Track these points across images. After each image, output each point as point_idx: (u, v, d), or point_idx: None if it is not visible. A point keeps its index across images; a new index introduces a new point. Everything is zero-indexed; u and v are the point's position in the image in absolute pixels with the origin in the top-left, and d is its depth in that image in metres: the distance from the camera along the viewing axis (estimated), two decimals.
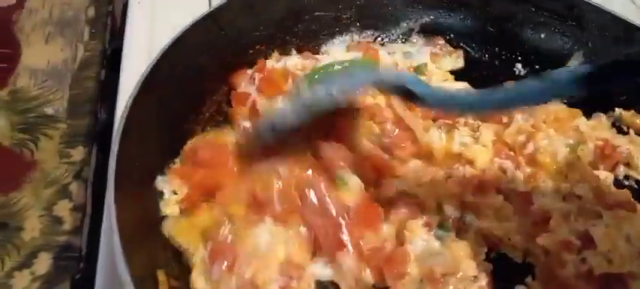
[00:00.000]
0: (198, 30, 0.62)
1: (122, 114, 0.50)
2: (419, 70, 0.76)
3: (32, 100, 1.01)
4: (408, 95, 0.56)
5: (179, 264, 0.53)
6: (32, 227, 0.82)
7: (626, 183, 0.73)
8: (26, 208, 0.85)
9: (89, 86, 1.05)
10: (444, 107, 0.59)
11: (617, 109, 0.79)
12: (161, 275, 0.49)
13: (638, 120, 0.78)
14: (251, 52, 0.72)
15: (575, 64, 0.83)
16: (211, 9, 0.65)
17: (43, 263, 0.79)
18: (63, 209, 0.86)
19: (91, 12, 1.22)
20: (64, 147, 0.94)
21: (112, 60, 1.03)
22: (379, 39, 0.84)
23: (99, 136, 0.92)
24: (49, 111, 1.00)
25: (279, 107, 0.61)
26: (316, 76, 0.68)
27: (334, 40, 0.81)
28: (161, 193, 0.56)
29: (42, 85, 1.04)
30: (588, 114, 0.80)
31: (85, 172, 0.91)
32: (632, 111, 0.79)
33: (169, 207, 0.55)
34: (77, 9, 1.21)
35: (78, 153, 0.93)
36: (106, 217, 0.63)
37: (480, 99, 0.56)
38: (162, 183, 0.57)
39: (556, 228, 0.61)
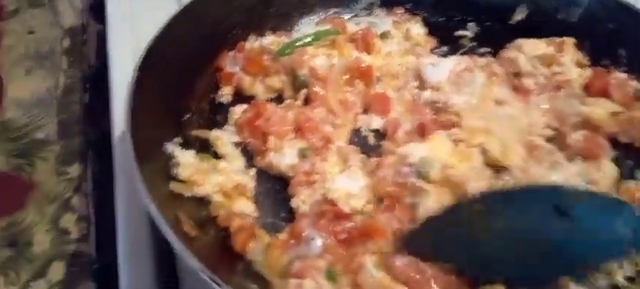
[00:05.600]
0: (178, 22, 0.69)
1: (127, 97, 0.56)
2: (384, 35, 0.84)
3: (23, 128, 1.05)
4: None
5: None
6: (41, 241, 0.86)
7: None
8: (32, 225, 0.88)
9: (75, 110, 1.10)
10: None
11: None
12: (182, 216, 0.56)
13: None
14: (229, 36, 0.79)
15: (521, 16, 0.93)
16: (186, 3, 0.72)
17: (57, 271, 0.82)
18: (68, 221, 0.89)
19: (66, 43, 1.26)
20: (60, 166, 0.98)
21: (93, 82, 1.08)
22: (344, 15, 0.92)
23: (94, 148, 0.96)
24: (40, 136, 1.03)
25: None
26: (287, 50, 0.76)
27: (303, 19, 0.88)
28: (170, 156, 0.62)
29: (30, 114, 1.08)
30: None
31: (83, 186, 0.95)
32: None
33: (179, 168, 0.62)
34: (52, 42, 1.26)
35: (74, 170, 0.97)
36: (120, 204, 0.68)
37: None
38: (170, 147, 0.64)
39: None
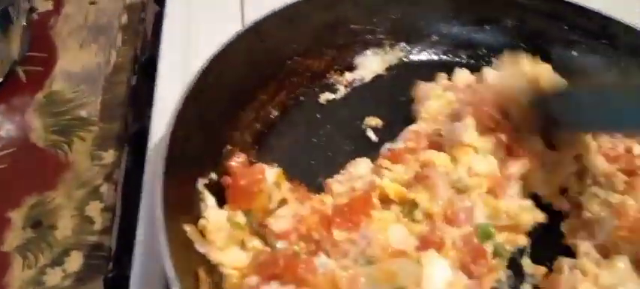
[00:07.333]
0: (242, 40, 0.64)
1: (170, 121, 0.51)
2: None
3: (67, 103, 1.04)
4: None
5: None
6: (65, 227, 0.85)
7: None
8: (60, 208, 0.87)
9: (120, 91, 1.08)
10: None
11: None
12: (201, 273, 0.48)
13: None
14: (289, 62, 0.73)
15: None
16: (256, 20, 0.66)
17: (75, 262, 0.81)
18: (94, 209, 0.88)
19: (124, 19, 1.24)
20: (95, 149, 0.97)
21: (145, 67, 1.05)
22: (413, 52, 0.85)
23: (132, 139, 0.94)
24: (82, 114, 1.02)
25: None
26: None
27: (367, 52, 0.82)
28: (201, 195, 0.56)
29: (76, 89, 1.07)
30: None
31: (115, 174, 0.93)
32: None
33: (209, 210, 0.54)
34: (111, 15, 1.25)
35: (109, 156, 0.96)
36: (143, 215, 0.64)
37: None
38: (202, 185, 0.57)
39: None
